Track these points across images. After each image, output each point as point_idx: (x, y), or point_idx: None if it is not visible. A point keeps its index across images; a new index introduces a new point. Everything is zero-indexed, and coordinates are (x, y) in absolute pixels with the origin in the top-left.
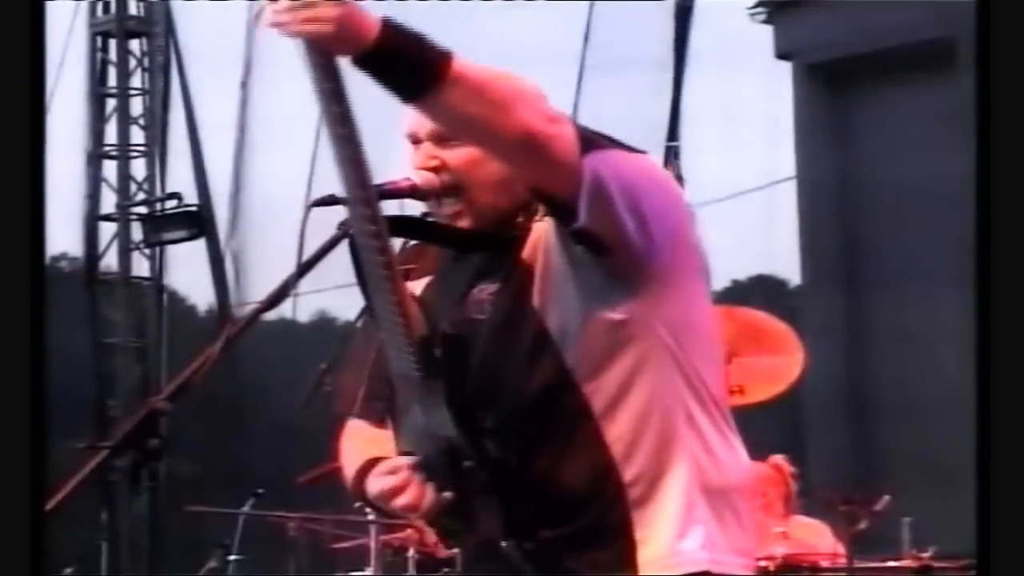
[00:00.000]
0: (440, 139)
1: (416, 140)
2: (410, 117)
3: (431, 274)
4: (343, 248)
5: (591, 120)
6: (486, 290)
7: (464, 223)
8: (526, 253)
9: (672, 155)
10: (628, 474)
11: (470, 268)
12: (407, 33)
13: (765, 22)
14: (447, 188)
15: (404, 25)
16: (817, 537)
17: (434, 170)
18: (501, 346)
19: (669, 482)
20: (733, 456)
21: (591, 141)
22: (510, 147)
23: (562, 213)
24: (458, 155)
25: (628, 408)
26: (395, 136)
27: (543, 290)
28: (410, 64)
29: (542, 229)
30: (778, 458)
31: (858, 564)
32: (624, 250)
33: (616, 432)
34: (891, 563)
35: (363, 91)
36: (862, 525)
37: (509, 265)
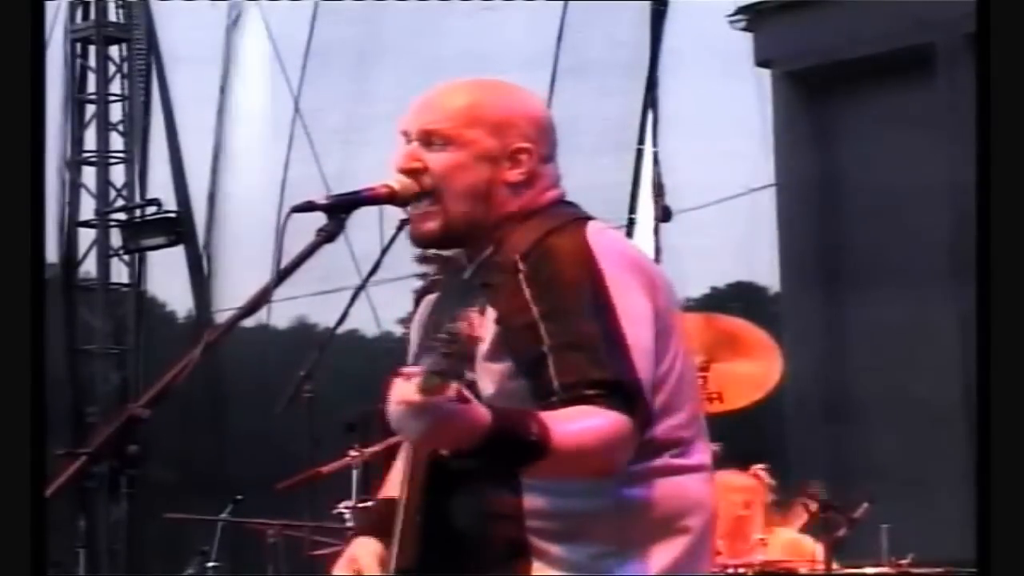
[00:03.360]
0: (428, 142)
1: (408, 137)
2: (406, 114)
3: (423, 293)
4: (321, 255)
5: (564, 123)
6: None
7: (433, 224)
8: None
9: (653, 162)
10: (531, 503)
11: (462, 291)
12: (511, 422)
13: (745, 29)
14: (425, 191)
15: (507, 411)
16: (795, 554)
17: (416, 172)
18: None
19: (590, 516)
20: (679, 482)
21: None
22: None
23: None
24: (441, 160)
25: None
26: (363, 144)
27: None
28: (515, 449)
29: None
30: (758, 468)
31: (836, 570)
32: None
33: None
34: (869, 570)
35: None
36: (841, 532)
37: (489, 292)
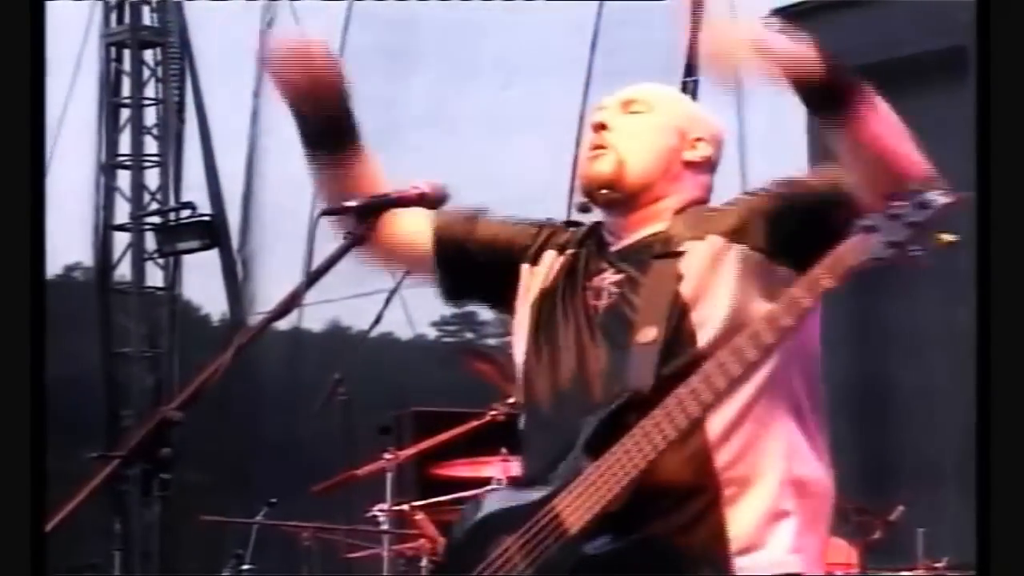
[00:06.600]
0: (628, 106)
1: (601, 128)
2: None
3: (558, 250)
4: (353, 257)
5: None
6: (607, 279)
7: (606, 164)
8: (702, 253)
9: None
10: (719, 462)
11: (596, 255)
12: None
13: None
14: (607, 183)
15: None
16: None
17: (602, 147)
18: (618, 331)
19: (760, 483)
20: (818, 462)
21: None
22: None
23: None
24: (636, 120)
25: (729, 405)
26: (396, 148)
27: (701, 293)
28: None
29: (719, 249)
30: None
31: (871, 573)
32: None
33: (713, 427)
34: (904, 573)
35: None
36: (876, 535)
37: (646, 258)
